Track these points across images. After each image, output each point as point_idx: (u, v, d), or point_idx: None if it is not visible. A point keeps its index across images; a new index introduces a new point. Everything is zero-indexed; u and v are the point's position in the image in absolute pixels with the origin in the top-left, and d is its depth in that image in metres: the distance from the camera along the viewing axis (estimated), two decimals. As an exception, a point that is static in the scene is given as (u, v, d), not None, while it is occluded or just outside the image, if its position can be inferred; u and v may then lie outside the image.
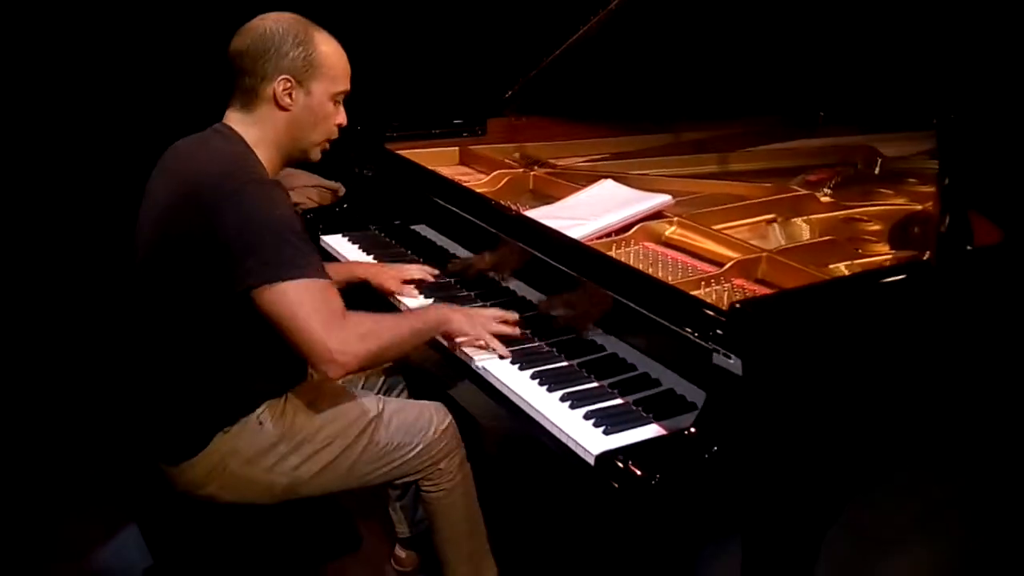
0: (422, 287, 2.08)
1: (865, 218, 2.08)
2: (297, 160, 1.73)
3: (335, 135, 1.73)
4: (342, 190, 3.05)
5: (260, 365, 1.66)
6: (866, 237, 2.00)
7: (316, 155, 1.73)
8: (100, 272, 2.94)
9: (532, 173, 2.35)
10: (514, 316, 1.83)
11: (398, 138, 2.50)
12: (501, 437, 2.07)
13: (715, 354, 1.36)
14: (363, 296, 2.05)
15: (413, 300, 2.04)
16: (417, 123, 2.57)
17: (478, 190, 2.20)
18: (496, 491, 1.97)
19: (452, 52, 3.34)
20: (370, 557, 2.17)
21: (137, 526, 1.78)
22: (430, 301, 2.02)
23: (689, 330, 1.43)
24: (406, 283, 2.08)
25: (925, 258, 1.73)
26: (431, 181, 2.25)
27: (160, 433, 1.68)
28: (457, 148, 2.58)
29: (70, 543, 2.24)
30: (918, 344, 1.58)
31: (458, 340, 1.78)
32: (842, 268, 1.75)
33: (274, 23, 1.63)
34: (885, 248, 1.92)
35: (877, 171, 2.50)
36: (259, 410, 1.67)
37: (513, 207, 2.05)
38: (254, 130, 1.65)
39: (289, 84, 1.63)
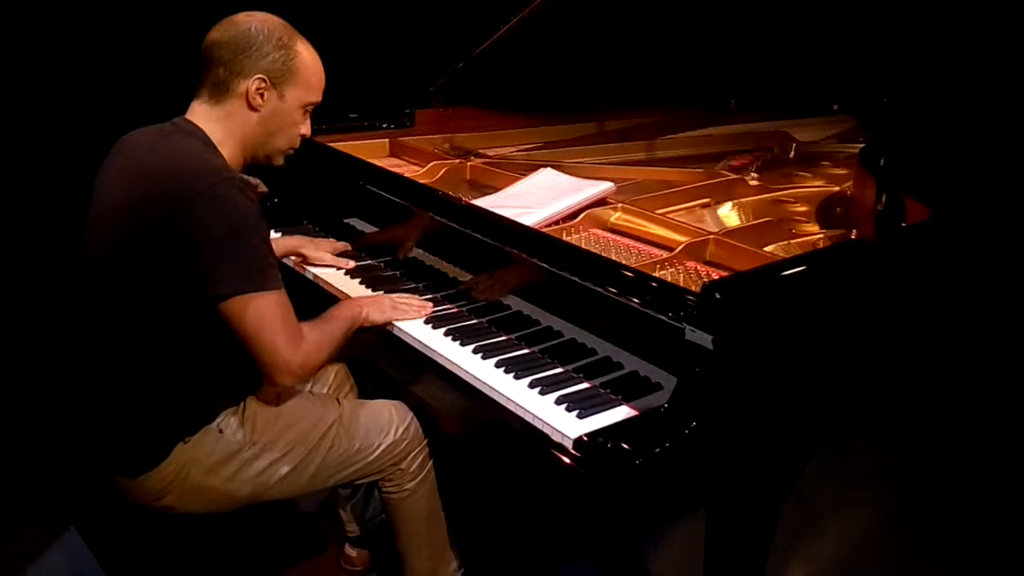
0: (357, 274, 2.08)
1: (791, 200, 2.18)
2: (260, 164, 1.69)
3: (297, 144, 1.71)
4: (262, 186, 2.96)
5: (221, 370, 1.61)
6: (796, 218, 2.09)
7: (279, 161, 1.71)
8: (46, 272, 2.74)
9: (469, 163, 2.34)
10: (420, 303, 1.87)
11: (327, 131, 2.45)
12: (458, 426, 2.07)
13: (688, 331, 1.41)
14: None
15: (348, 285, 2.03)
16: (345, 115, 2.52)
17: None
18: (455, 480, 1.97)
19: (377, 43, 3.29)
20: (321, 560, 2.13)
21: (83, 539, 1.69)
22: (357, 283, 2.03)
23: (660, 311, 1.46)
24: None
25: (853, 236, 1.84)
26: (372, 174, 2.22)
27: (118, 445, 1.60)
28: (387, 140, 2.54)
29: (9, 560, 2.10)
30: (862, 314, 1.67)
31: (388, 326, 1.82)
32: (782, 247, 1.83)
33: (260, 22, 1.59)
34: (815, 228, 2.02)
35: (792, 155, 2.63)
36: (219, 418, 1.62)
37: (455, 197, 2.05)
38: (220, 126, 1.60)
39: (264, 84, 1.59)
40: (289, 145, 1.69)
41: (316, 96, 1.68)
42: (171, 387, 1.58)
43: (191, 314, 1.51)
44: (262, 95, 1.59)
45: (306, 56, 1.64)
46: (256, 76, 1.58)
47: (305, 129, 1.69)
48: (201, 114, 1.61)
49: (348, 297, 1.94)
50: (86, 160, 1.65)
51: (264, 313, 1.49)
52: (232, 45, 1.57)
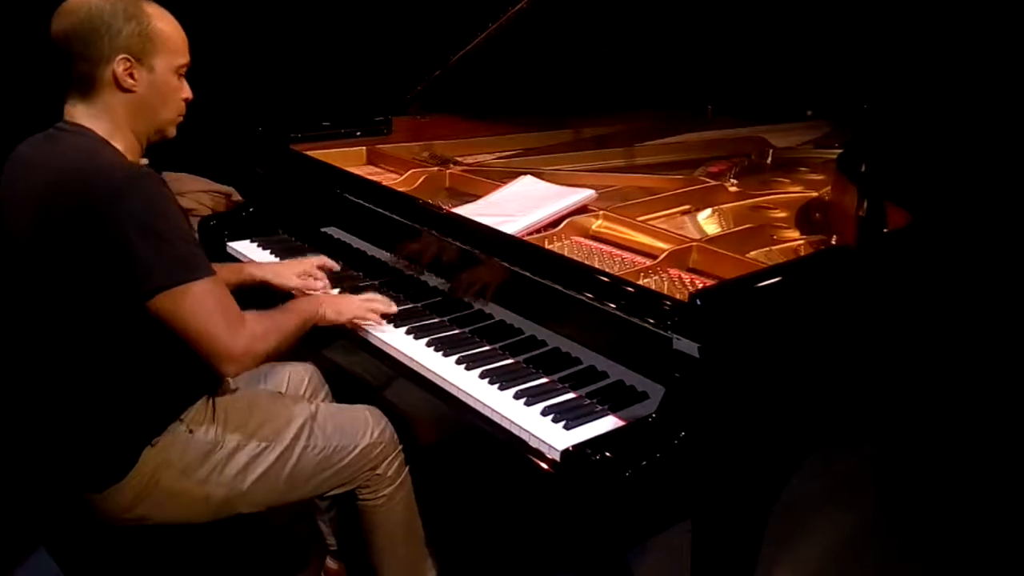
0: (331, 284, 2.01)
1: (771, 206, 2.18)
2: (154, 142, 1.60)
3: (184, 110, 1.62)
4: (235, 194, 2.93)
5: (175, 365, 1.55)
6: (776, 224, 2.09)
7: (172, 132, 1.62)
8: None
9: (448, 171, 2.32)
10: (386, 301, 1.85)
11: (303, 139, 2.41)
12: (435, 433, 2.04)
13: (675, 340, 1.39)
14: (260, 297, 1.95)
15: None
16: (321, 123, 2.49)
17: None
18: (434, 490, 1.94)
19: (354, 51, 3.26)
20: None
21: (55, 561, 1.64)
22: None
23: (646, 319, 1.45)
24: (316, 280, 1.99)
25: (834, 241, 1.85)
26: (350, 182, 2.18)
27: (81, 460, 1.55)
28: (364, 148, 2.52)
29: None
30: (847, 319, 1.67)
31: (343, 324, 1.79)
32: (764, 254, 1.83)
33: (97, 0, 1.48)
34: (796, 233, 2.02)
35: (769, 161, 2.63)
36: (186, 418, 1.59)
37: (436, 206, 2.02)
38: (102, 122, 1.52)
39: (129, 64, 1.50)
40: (177, 113, 1.60)
41: (185, 57, 1.58)
42: (128, 391, 1.53)
43: (132, 315, 1.46)
44: (131, 75, 1.50)
45: (159, 19, 1.53)
46: (119, 58, 1.49)
47: (186, 93, 1.60)
48: (80, 113, 1.53)
49: None
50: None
51: (195, 303, 1.43)
52: (79, 34, 1.47)
